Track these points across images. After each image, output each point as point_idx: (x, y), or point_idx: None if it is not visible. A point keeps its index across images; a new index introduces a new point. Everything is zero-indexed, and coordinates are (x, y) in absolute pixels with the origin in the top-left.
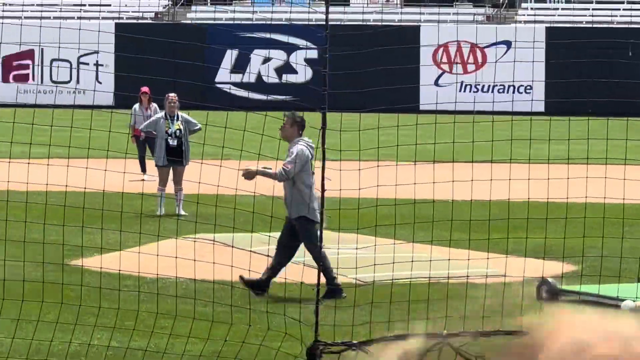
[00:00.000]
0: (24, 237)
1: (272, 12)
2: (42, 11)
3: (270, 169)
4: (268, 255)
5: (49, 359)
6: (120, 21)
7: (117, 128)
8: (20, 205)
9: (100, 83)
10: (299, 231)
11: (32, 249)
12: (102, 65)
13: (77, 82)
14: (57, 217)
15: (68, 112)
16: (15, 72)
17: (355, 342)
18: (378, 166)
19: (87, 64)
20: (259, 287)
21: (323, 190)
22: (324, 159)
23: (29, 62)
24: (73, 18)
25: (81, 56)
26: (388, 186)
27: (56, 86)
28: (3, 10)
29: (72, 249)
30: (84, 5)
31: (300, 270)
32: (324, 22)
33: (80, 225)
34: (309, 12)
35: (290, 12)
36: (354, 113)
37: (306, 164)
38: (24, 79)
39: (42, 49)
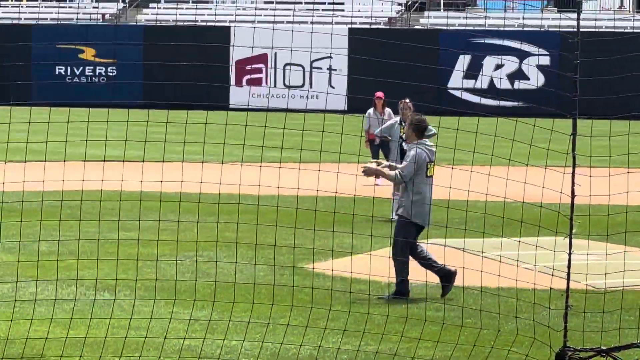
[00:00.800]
0: (255, 240)
1: (504, 18)
2: (275, 15)
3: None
4: (516, 262)
5: None
6: (354, 26)
7: (350, 132)
8: (251, 208)
9: (333, 87)
10: (395, 226)
11: (265, 252)
12: (335, 69)
13: (310, 86)
14: (289, 221)
15: (299, 115)
16: (248, 76)
17: (604, 348)
18: (628, 173)
19: (320, 68)
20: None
21: (573, 196)
22: (574, 165)
23: (262, 66)
24: (306, 22)
25: (314, 60)
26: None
27: (289, 90)
28: (237, 15)
29: (305, 252)
30: (317, 10)
31: (549, 277)
32: (557, 29)
33: (312, 229)
34: (541, 19)
35: (523, 17)
36: (604, 119)
37: (421, 167)
38: (257, 82)
39: (275, 53)
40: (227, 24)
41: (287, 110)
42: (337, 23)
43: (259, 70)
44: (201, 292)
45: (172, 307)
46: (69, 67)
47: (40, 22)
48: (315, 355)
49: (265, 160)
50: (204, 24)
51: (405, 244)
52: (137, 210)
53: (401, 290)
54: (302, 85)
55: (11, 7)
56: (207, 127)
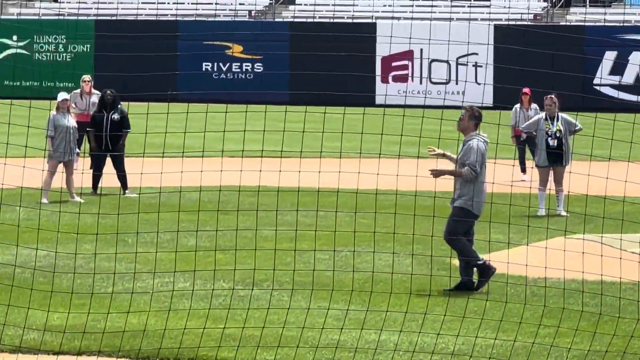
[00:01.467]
0: (413, 232)
1: None
2: (418, 12)
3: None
4: None
5: (432, 357)
6: (499, 22)
7: (493, 128)
8: (409, 203)
9: (478, 84)
10: (451, 215)
11: (416, 248)
12: (480, 66)
13: (456, 82)
14: (445, 214)
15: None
16: (395, 73)
17: None
18: None
19: (466, 64)
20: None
21: None
22: None
23: (407, 62)
24: (451, 19)
25: (460, 57)
26: None
27: (434, 86)
28: (383, 11)
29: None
30: (463, 6)
31: None
32: None
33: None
34: None
35: None
36: None
37: (483, 158)
38: (403, 79)
39: (421, 50)
40: (372, 20)
41: (424, 107)
42: (482, 19)
43: (405, 67)
44: (347, 284)
45: (325, 301)
46: (215, 64)
47: (186, 19)
48: (463, 350)
49: (421, 156)
50: (349, 20)
51: (461, 234)
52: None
53: (483, 271)
54: (448, 82)
55: (157, 3)
56: (357, 123)
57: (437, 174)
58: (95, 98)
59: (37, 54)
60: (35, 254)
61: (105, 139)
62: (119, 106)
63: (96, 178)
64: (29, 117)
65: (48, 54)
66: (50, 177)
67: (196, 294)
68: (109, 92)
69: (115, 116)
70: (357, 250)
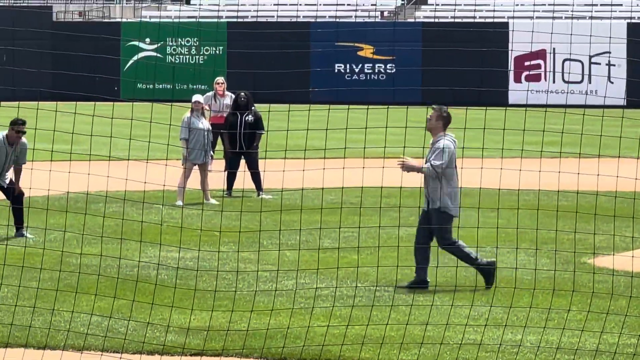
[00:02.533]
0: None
1: None
2: (554, 11)
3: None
4: None
5: (575, 357)
6: (632, 21)
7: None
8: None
9: (612, 83)
10: (434, 222)
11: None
12: (613, 65)
13: (589, 82)
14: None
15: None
16: (527, 73)
17: None
18: None
19: (599, 64)
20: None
21: None
22: None
23: (540, 62)
24: (584, 18)
25: (593, 56)
26: None
27: (567, 86)
28: (514, 11)
29: (588, 247)
30: (596, 5)
31: None
32: None
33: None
34: None
35: None
36: None
37: (452, 158)
38: (535, 79)
39: (553, 49)
40: (504, 19)
41: (566, 106)
42: (615, 18)
43: (538, 67)
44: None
45: (450, 300)
46: (347, 65)
47: (319, 20)
48: (607, 350)
49: (544, 156)
50: (481, 20)
51: (450, 235)
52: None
53: (487, 273)
54: (581, 81)
55: (290, 4)
56: (491, 122)
57: (407, 167)
58: (228, 100)
59: (169, 57)
60: (177, 255)
61: (240, 141)
62: (253, 108)
63: (230, 180)
64: (170, 118)
65: (181, 56)
66: (185, 180)
67: (335, 295)
68: (242, 94)
69: (249, 118)
70: (498, 247)
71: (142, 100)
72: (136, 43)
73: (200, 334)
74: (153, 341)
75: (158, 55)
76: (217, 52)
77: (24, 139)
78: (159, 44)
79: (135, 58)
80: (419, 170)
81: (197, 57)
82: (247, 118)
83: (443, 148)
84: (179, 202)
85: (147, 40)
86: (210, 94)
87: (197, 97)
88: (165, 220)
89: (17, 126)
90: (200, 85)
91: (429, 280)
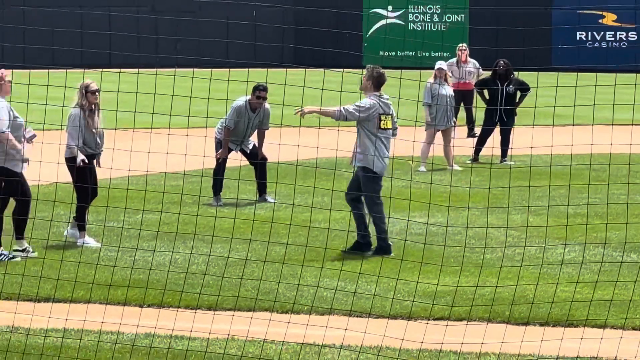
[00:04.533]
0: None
1: None
2: None
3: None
4: None
5: None
6: None
7: None
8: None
9: None
10: (361, 182)
11: None
12: None
13: None
14: None
15: None
16: None
17: None
18: None
19: None
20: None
21: None
22: None
23: None
24: None
25: None
26: None
27: None
28: None
29: None
30: None
31: None
32: None
33: None
34: None
35: None
36: None
37: (370, 114)
38: None
39: None
40: None
41: None
42: None
43: None
44: None
45: None
46: (589, 33)
47: None
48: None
49: None
50: None
51: (377, 196)
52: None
53: (384, 247)
54: None
55: None
56: None
57: (303, 112)
58: (471, 66)
59: (411, 24)
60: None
61: (500, 112)
62: (512, 76)
63: (478, 148)
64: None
65: (423, 23)
66: (428, 146)
67: (583, 258)
68: (502, 62)
69: (510, 88)
70: None
71: (386, 67)
72: (379, 10)
73: (444, 298)
74: (399, 306)
75: (400, 22)
76: (459, 19)
77: (266, 105)
78: (401, 12)
79: (377, 25)
80: (325, 113)
81: (439, 24)
82: (507, 88)
83: (362, 102)
84: (422, 169)
85: (390, 7)
86: (453, 60)
87: (440, 64)
88: (406, 187)
89: (259, 92)
90: (441, 53)
91: None
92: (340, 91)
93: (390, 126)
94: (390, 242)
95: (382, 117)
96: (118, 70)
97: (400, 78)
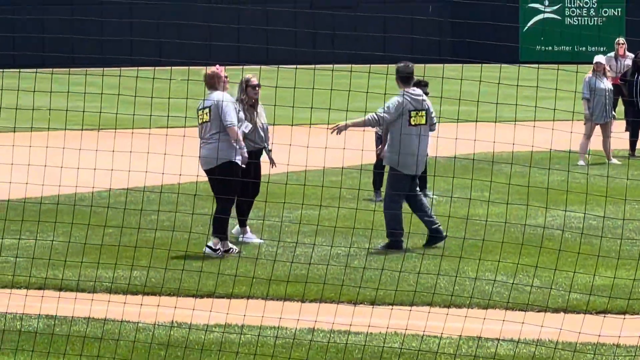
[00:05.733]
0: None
1: None
2: None
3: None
4: None
5: None
6: None
7: None
8: None
9: None
10: (387, 178)
11: None
12: None
13: None
14: None
15: None
16: None
17: None
18: None
19: None
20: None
21: None
22: None
23: None
24: None
25: None
26: None
27: None
28: None
29: None
30: None
31: None
32: None
33: None
34: None
35: None
36: None
37: (401, 113)
38: None
39: None
40: None
41: None
42: None
43: None
44: None
45: None
46: None
47: None
48: None
49: None
50: None
51: (397, 195)
52: None
53: (392, 243)
54: None
55: None
56: None
57: (339, 129)
58: (629, 60)
59: (568, 18)
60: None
61: (637, 105)
62: None
63: (633, 142)
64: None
65: (579, 18)
66: (587, 140)
67: None
68: None
69: None
70: None
71: (543, 62)
72: (535, 5)
73: (605, 292)
74: (558, 299)
75: (557, 17)
76: (616, 13)
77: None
78: (558, 6)
79: (534, 20)
80: (357, 124)
81: (595, 18)
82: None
83: (390, 102)
84: (581, 162)
85: (546, 2)
86: (611, 54)
87: (598, 58)
88: (563, 180)
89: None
90: (598, 47)
91: None
92: (498, 84)
93: (423, 122)
94: (402, 244)
95: (412, 114)
96: (276, 66)
97: (557, 70)
